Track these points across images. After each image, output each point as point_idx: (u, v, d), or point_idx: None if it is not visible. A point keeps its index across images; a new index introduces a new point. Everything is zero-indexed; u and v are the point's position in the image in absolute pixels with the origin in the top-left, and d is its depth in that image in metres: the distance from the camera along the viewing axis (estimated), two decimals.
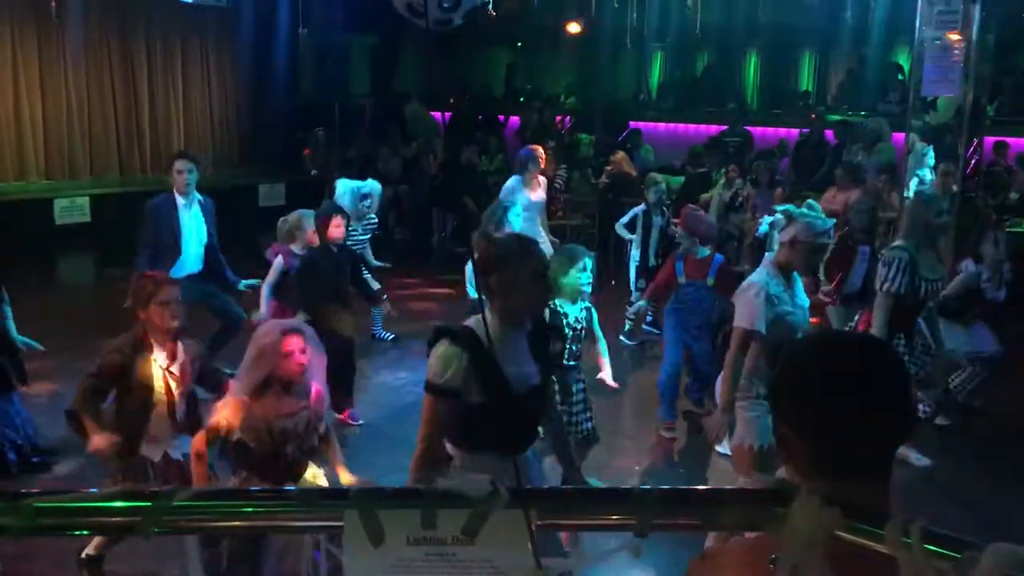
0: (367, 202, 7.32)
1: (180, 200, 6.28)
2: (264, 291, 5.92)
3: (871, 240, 6.42)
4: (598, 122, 14.69)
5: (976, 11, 7.31)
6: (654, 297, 6.47)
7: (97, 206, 11.88)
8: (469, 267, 6.10)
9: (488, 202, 12.57)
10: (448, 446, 2.96)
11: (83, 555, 4.09)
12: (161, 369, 3.86)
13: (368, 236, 7.62)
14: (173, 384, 3.88)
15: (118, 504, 1.15)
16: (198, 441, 3.48)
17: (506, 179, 8.17)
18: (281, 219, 6.10)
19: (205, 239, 6.36)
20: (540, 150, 8.20)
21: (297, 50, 15.11)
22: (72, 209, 11.68)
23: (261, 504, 1.21)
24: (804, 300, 4.14)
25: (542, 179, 8.11)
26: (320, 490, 1.18)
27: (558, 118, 15.20)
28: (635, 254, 7.75)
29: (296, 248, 5.95)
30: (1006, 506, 4.89)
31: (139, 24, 13.37)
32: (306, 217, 5.97)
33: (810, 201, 4.34)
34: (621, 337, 7.91)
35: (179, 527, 1.17)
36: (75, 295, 9.86)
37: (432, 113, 15.83)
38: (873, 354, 1.31)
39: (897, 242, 5.07)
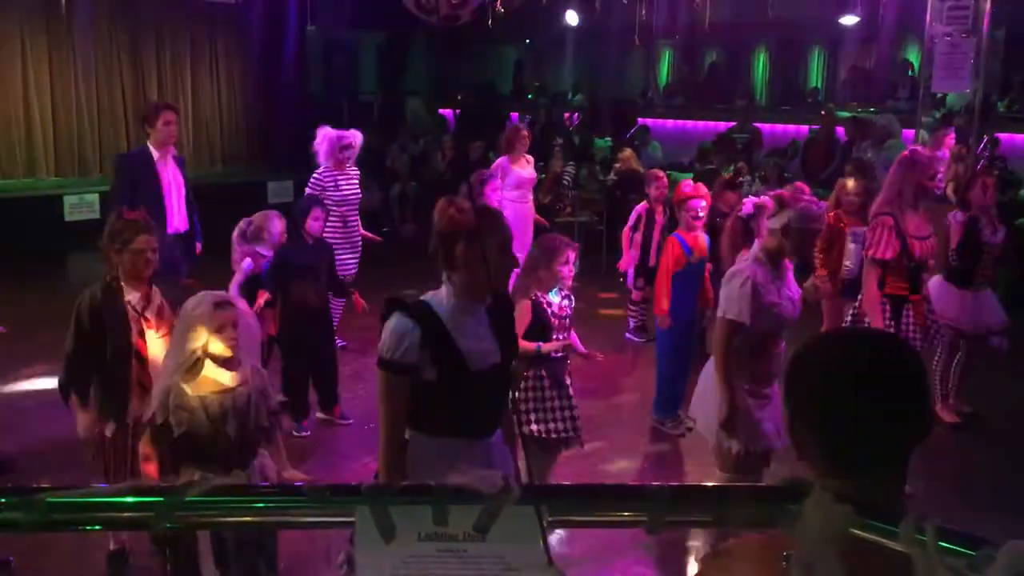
0: (348, 152, 7.09)
1: (155, 153, 6.00)
2: (233, 294, 5.43)
3: (865, 221, 6.30)
4: (606, 119, 14.66)
5: (987, 6, 7.27)
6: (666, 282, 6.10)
7: (107, 203, 11.89)
8: None
9: None
10: (406, 431, 2.77)
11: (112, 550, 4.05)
12: (136, 312, 3.74)
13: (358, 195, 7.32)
14: (149, 329, 3.75)
15: (130, 500, 1.16)
16: (142, 444, 3.28)
17: None
18: (244, 220, 5.81)
19: (185, 194, 6.16)
20: (523, 127, 8.33)
21: (305, 47, 15.12)
22: (82, 206, 11.71)
23: (272, 500, 1.21)
24: (794, 291, 3.99)
25: (529, 157, 8.16)
26: (332, 487, 1.18)
27: (566, 115, 15.18)
28: (634, 253, 7.64)
29: (262, 249, 5.68)
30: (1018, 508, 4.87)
31: (148, 21, 13.38)
32: (271, 217, 5.79)
33: (798, 185, 4.22)
34: (627, 335, 7.90)
35: (191, 523, 1.18)
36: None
37: (441, 111, 15.85)
38: (889, 352, 1.31)
39: (878, 207, 4.92)
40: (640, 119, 14.18)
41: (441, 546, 1.17)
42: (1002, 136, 10.52)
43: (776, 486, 1.19)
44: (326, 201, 6.54)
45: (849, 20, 12.14)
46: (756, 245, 4.00)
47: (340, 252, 6.57)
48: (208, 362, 3.21)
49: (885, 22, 12.34)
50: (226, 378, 3.23)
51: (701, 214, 5.77)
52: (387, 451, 2.71)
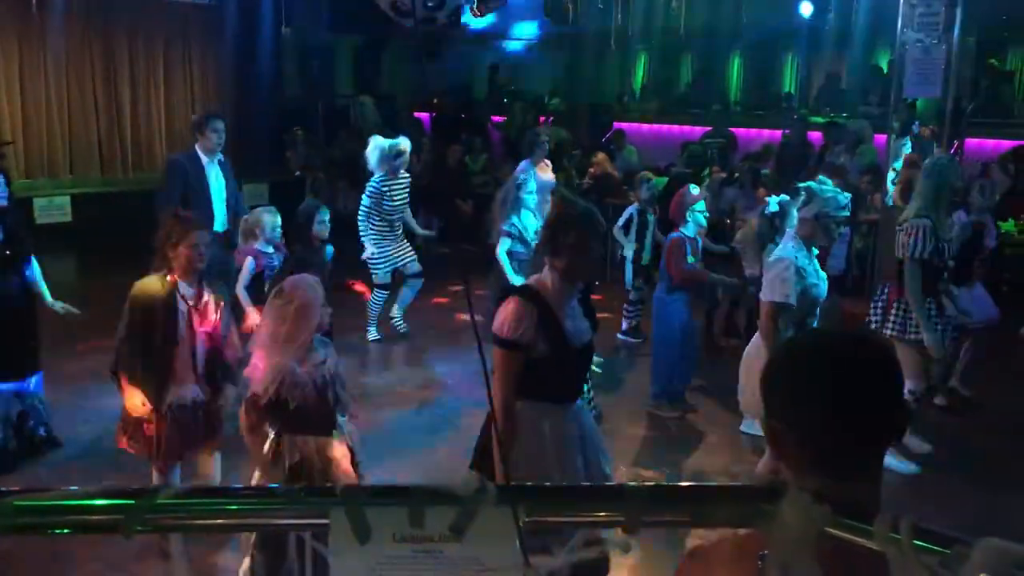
0: (401, 159, 7.48)
1: (204, 158, 6.48)
2: (242, 295, 5.70)
3: (849, 220, 6.48)
4: (583, 123, 14.70)
5: (958, 13, 7.36)
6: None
7: (78, 206, 11.76)
8: (504, 255, 6.47)
9: (477, 203, 12.61)
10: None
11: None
12: (187, 305, 4.03)
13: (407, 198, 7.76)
14: (197, 322, 4.04)
15: (100, 503, 1.14)
16: (248, 421, 3.48)
17: (490, 179, 8.31)
18: (242, 219, 6.01)
19: (228, 197, 6.56)
20: (543, 134, 8.77)
21: (281, 50, 15.04)
22: (52, 208, 11.57)
23: (246, 502, 1.19)
24: (822, 272, 4.42)
25: (547, 162, 8.54)
26: (306, 488, 1.16)
27: (541, 119, 15.20)
28: (629, 254, 7.74)
29: (260, 246, 5.81)
30: (1000, 504, 4.94)
31: (121, 22, 13.26)
32: (261, 213, 5.89)
33: (822, 177, 4.53)
34: (619, 335, 7.96)
35: (162, 525, 1.16)
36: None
37: (416, 114, 15.79)
38: (864, 352, 1.31)
39: (914, 210, 5.17)
40: (616, 123, 14.23)
41: (417, 548, 1.16)
42: (970, 141, 10.67)
43: (752, 485, 1.20)
44: (384, 205, 7.35)
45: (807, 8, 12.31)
46: (789, 233, 4.46)
47: (384, 254, 7.50)
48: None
49: (857, 28, 12.48)
50: (323, 353, 3.56)
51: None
52: (504, 417, 3.10)
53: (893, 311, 5.25)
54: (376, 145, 7.46)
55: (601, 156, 11.40)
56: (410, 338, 7.94)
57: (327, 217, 5.96)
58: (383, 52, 16.87)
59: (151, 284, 4.02)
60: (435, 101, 16.29)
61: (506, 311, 3.11)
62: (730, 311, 7.80)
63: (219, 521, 1.19)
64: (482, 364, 1.27)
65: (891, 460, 5.14)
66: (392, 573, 1.16)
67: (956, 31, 7.43)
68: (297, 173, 12.82)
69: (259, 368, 3.48)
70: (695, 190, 6.35)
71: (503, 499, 1.14)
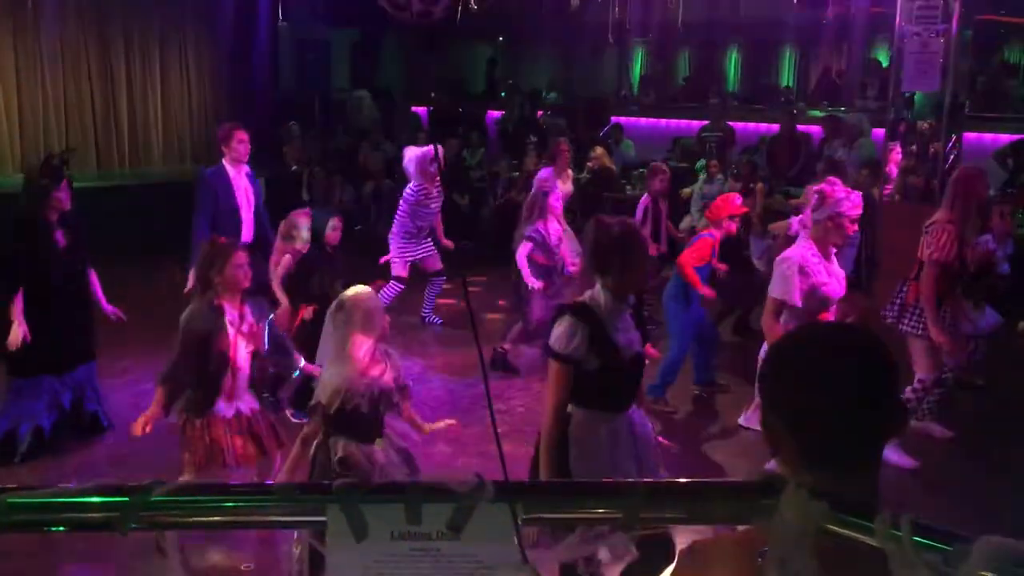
0: (435, 164, 7.68)
1: (231, 170, 6.63)
2: (279, 290, 6.04)
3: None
4: (580, 117, 14.67)
5: (956, 7, 7.35)
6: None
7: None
8: (524, 259, 6.64)
9: (473, 197, 12.59)
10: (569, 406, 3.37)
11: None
12: (233, 328, 4.18)
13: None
14: (243, 343, 4.21)
15: (95, 500, 1.13)
16: (311, 428, 3.68)
17: (486, 174, 8.34)
18: (283, 221, 6.28)
19: (256, 207, 6.72)
20: (564, 142, 9.01)
21: (277, 44, 14.99)
22: None
23: (242, 499, 1.19)
24: (839, 271, 4.55)
25: (570, 172, 8.80)
26: (302, 485, 1.15)
27: (539, 113, 15.18)
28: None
29: (300, 247, 6.12)
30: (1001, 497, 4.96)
31: (117, 16, 13.20)
32: (298, 216, 6.18)
33: (831, 179, 4.65)
34: None
35: (157, 523, 1.15)
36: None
37: (414, 108, 15.76)
38: (862, 347, 1.31)
39: (943, 214, 5.23)
40: (614, 117, 14.21)
41: (414, 545, 1.15)
42: (968, 135, 10.66)
43: (751, 482, 1.19)
44: (420, 211, 7.62)
45: None
46: (803, 234, 4.62)
47: (405, 250, 7.71)
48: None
49: (855, 22, 12.46)
50: (380, 364, 3.72)
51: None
52: (552, 424, 3.31)
53: (911, 308, 5.33)
54: (412, 156, 7.69)
55: (599, 150, 11.39)
56: (414, 331, 8.00)
57: (338, 223, 6.28)
58: (380, 46, 16.83)
59: (200, 316, 4.17)
60: (432, 95, 16.26)
61: (560, 327, 3.31)
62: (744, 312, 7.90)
63: (215, 519, 1.18)
64: (480, 361, 1.26)
65: (890, 454, 5.16)
66: (389, 570, 1.16)
67: (954, 24, 7.42)
68: (294, 168, 12.79)
69: (323, 379, 3.71)
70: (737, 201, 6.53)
71: (500, 496, 1.13)
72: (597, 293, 3.35)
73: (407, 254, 7.82)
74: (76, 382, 5.57)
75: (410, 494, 1.15)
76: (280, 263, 6.09)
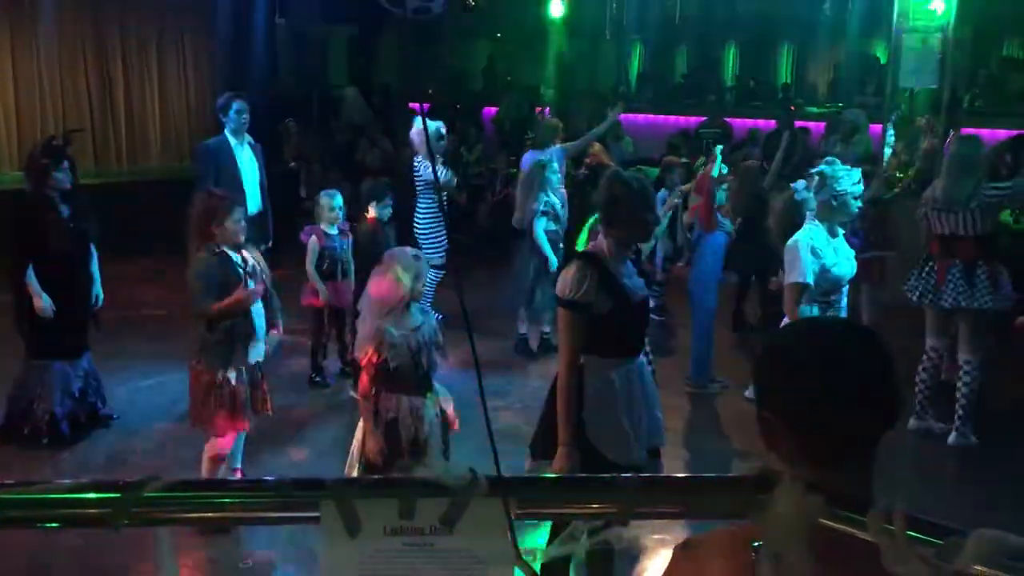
0: (442, 142, 7.80)
1: (233, 140, 6.60)
2: (311, 272, 6.24)
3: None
4: (579, 114, 14.63)
5: (954, 3, 7.35)
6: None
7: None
8: (542, 234, 6.77)
9: (471, 193, 12.56)
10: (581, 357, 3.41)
11: None
12: (240, 269, 4.30)
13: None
14: (252, 283, 4.32)
15: (88, 496, 1.13)
16: (362, 383, 3.84)
17: (484, 170, 8.36)
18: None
19: (259, 179, 6.69)
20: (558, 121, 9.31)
21: (275, 40, 14.96)
22: None
23: (235, 495, 1.19)
24: (849, 250, 4.58)
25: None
26: (296, 481, 1.15)
27: (537, 109, 15.15)
28: (660, 236, 7.83)
29: (325, 227, 6.32)
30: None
31: (114, 13, 13.17)
32: (322, 195, 6.48)
33: (830, 158, 4.64)
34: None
35: (151, 519, 1.14)
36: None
37: (411, 104, 15.72)
38: (858, 341, 1.30)
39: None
40: None
41: (408, 540, 1.15)
42: (967, 131, 10.63)
43: (745, 476, 1.19)
44: (426, 187, 7.61)
45: None
46: (809, 216, 4.58)
47: (436, 235, 7.61)
48: (410, 303, 3.84)
49: (853, 18, 12.44)
50: (419, 319, 3.86)
51: None
52: (566, 374, 3.35)
53: (948, 280, 5.54)
54: (418, 130, 7.76)
55: (597, 146, 11.35)
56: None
57: (339, 203, 6.38)
58: (378, 42, 16.79)
59: (203, 262, 4.23)
60: (430, 92, 16.22)
61: (568, 274, 3.39)
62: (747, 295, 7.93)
63: (208, 514, 1.18)
64: (474, 357, 1.26)
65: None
66: (383, 566, 1.16)
67: (952, 20, 7.42)
68: (291, 164, 12.78)
69: (361, 331, 3.86)
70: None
71: (494, 491, 1.13)
72: (601, 242, 3.46)
73: (441, 244, 7.63)
74: (84, 370, 5.58)
75: (404, 489, 1.15)
76: (308, 246, 6.25)
